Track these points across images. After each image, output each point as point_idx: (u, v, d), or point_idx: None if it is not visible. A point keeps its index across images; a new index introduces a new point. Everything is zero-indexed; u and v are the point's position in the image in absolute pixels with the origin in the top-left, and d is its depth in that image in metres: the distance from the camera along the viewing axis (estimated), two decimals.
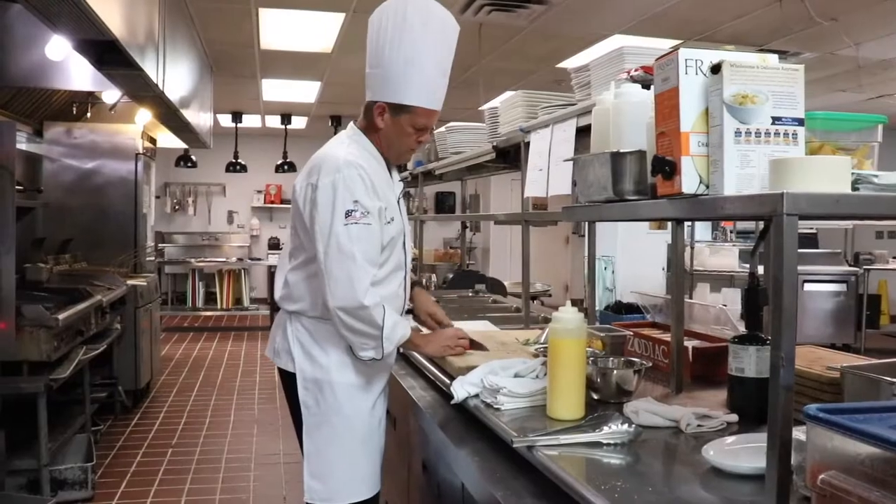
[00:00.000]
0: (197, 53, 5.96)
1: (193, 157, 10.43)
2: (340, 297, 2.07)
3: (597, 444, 1.60)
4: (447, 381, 2.25)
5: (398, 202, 2.30)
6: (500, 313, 3.92)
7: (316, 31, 5.95)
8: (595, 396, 1.98)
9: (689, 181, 1.37)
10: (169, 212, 12.11)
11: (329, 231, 2.07)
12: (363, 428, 2.24)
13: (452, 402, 2.06)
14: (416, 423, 2.44)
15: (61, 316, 3.74)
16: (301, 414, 2.23)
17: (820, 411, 1.02)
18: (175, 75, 4.71)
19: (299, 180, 2.20)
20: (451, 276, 5.52)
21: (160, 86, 4.13)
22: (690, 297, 6.42)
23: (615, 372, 1.98)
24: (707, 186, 1.37)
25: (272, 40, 6.22)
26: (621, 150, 1.64)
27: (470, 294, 4.84)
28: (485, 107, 4.15)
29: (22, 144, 6.18)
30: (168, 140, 7.40)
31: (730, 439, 1.57)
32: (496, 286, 5.37)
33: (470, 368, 2.17)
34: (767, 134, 1.32)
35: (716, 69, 1.34)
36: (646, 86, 1.83)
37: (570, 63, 6.74)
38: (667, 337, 2.49)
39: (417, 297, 2.50)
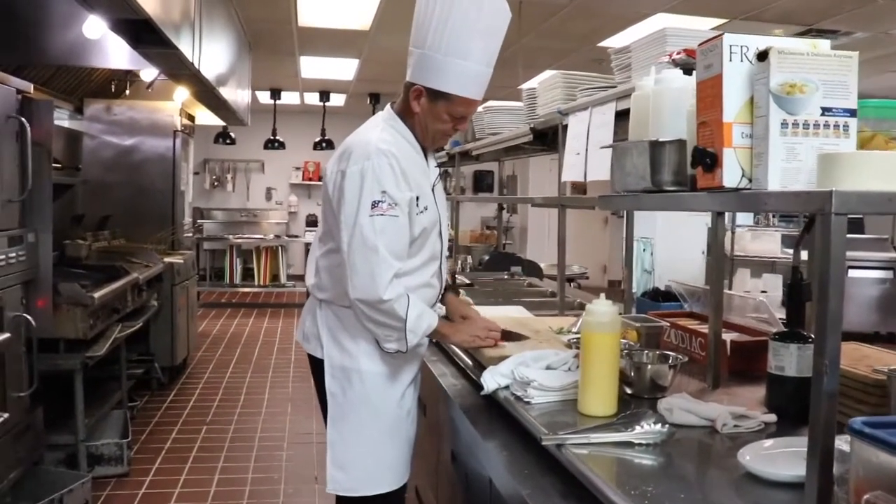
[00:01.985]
0: (235, 31, 5.96)
1: (232, 134, 10.48)
2: (361, 290, 2.03)
3: (628, 445, 1.55)
4: (478, 370, 2.22)
5: (433, 189, 2.24)
6: (534, 297, 3.87)
7: (353, 9, 5.91)
8: (628, 391, 1.93)
9: (730, 174, 1.31)
10: (208, 188, 12.21)
11: (354, 222, 2.02)
12: (390, 418, 2.20)
13: (482, 393, 2.03)
14: (445, 412, 2.41)
15: (97, 294, 3.78)
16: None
17: (865, 426, 0.97)
18: (211, 53, 4.70)
19: (331, 164, 2.16)
20: (486, 258, 5.47)
21: (196, 64, 4.13)
22: (730, 283, 6.29)
23: (649, 367, 1.93)
24: (750, 180, 1.31)
25: (310, 17, 6.19)
26: (660, 139, 1.58)
27: (505, 277, 4.80)
28: (523, 87, 4.08)
29: (63, 121, 6.26)
30: (206, 117, 7.43)
31: (767, 443, 1.51)
32: (532, 269, 5.31)
33: (502, 358, 2.13)
34: (816, 126, 1.25)
35: (762, 56, 1.27)
36: (688, 71, 1.76)
37: (610, 42, 6.61)
38: (704, 328, 2.42)
39: (451, 302, 2.43)
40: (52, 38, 4.06)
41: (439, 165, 2.38)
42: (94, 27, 3.75)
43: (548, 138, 3.58)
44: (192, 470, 4.22)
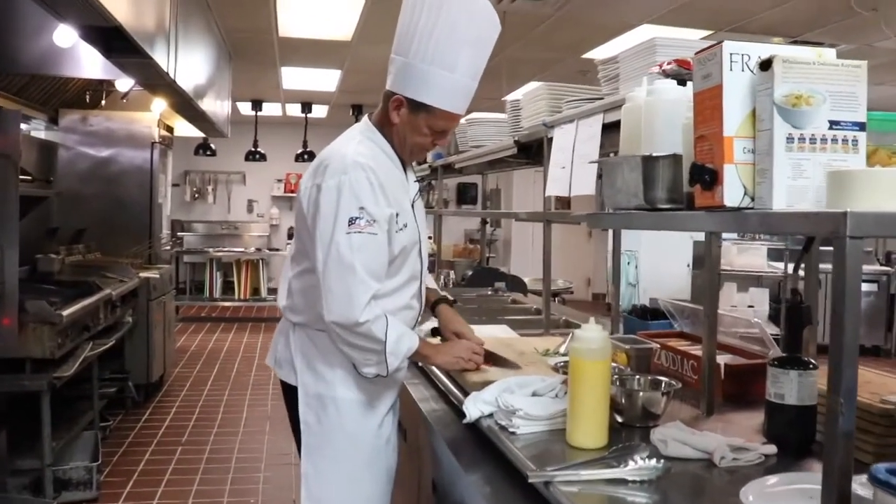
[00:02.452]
0: (214, 41, 5.84)
1: (213, 146, 10.33)
2: (337, 312, 1.91)
3: (621, 482, 1.44)
4: (460, 396, 2.11)
5: (412, 205, 2.13)
6: (519, 315, 3.77)
7: (335, 18, 5.81)
8: (619, 419, 1.82)
9: (731, 192, 1.21)
10: (188, 200, 12.04)
11: (330, 239, 1.91)
12: (368, 449, 2.09)
13: (465, 421, 1.92)
14: (426, 439, 2.30)
15: (66, 312, 3.63)
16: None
17: (891, 475, 0.86)
18: (189, 63, 4.58)
19: (305, 179, 2.05)
20: (470, 273, 5.36)
21: (172, 74, 4.00)
22: (717, 298, 6.23)
23: (641, 394, 1.83)
24: (752, 199, 1.21)
25: (291, 27, 6.08)
26: (654, 154, 1.48)
27: (489, 292, 4.69)
28: (507, 98, 3.99)
29: (40, 132, 6.12)
30: (186, 128, 7.29)
31: (771, 479, 1.40)
32: (516, 284, 5.21)
33: (485, 383, 2.02)
34: (824, 140, 1.16)
35: (765, 65, 1.17)
36: (681, 81, 1.67)
37: (596, 53, 6.55)
38: (696, 350, 2.33)
39: (443, 314, 2.32)
40: (22, 47, 3.93)
41: (419, 179, 2.27)
42: (65, 36, 3.62)
43: (532, 151, 3.49)
44: (165, 494, 4.07)
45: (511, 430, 1.76)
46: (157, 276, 5.82)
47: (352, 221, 1.89)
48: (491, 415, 1.88)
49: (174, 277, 7.25)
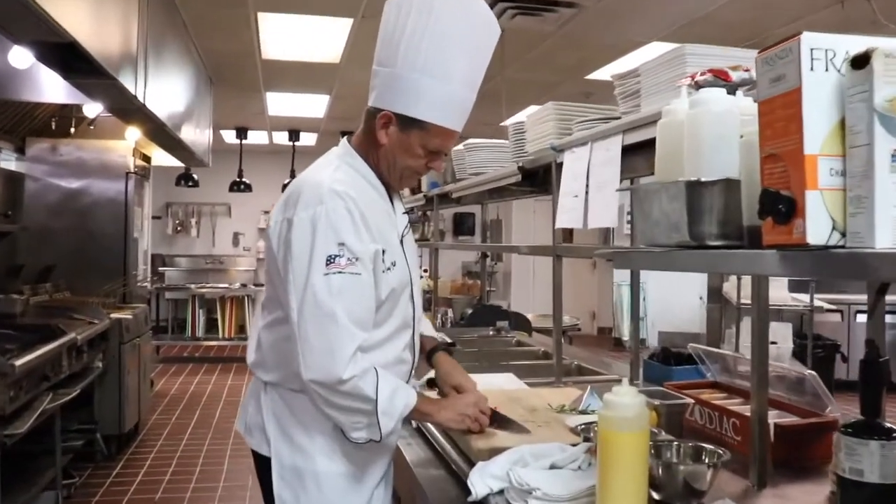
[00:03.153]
0: (192, 64, 5.64)
1: (195, 176, 10.10)
2: (316, 369, 1.66)
3: None
4: (464, 467, 1.85)
5: (401, 241, 1.90)
6: (525, 360, 3.51)
7: (322, 40, 5.61)
8: (655, 496, 1.56)
9: (816, 227, 0.97)
10: (170, 233, 11.78)
11: (305, 282, 1.66)
12: None
13: (470, 499, 1.66)
14: None
15: (19, 362, 3.36)
16: None
17: None
18: (162, 87, 4.37)
19: (275, 213, 1.79)
20: (469, 311, 5.11)
21: (141, 98, 3.78)
22: (737, 333, 5.97)
23: (682, 467, 1.57)
24: (843, 234, 0.96)
25: (275, 50, 5.89)
26: (702, 179, 1.24)
27: (491, 333, 4.43)
28: (509, 122, 3.77)
29: (10, 163, 5.88)
30: (166, 157, 7.07)
31: None
32: (520, 322, 4.96)
33: (493, 452, 1.77)
34: None
35: (860, 62, 0.93)
36: (730, 91, 1.43)
37: (600, 74, 6.37)
38: (736, 405, 2.08)
39: (442, 365, 2.04)
40: None
41: (408, 211, 2.02)
42: (21, 56, 3.39)
43: (538, 178, 3.25)
44: None
45: None
46: (131, 316, 5.55)
47: (330, 260, 1.66)
48: (501, 491, 1.63)
49: (150, 317, 6.96)
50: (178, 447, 5.77)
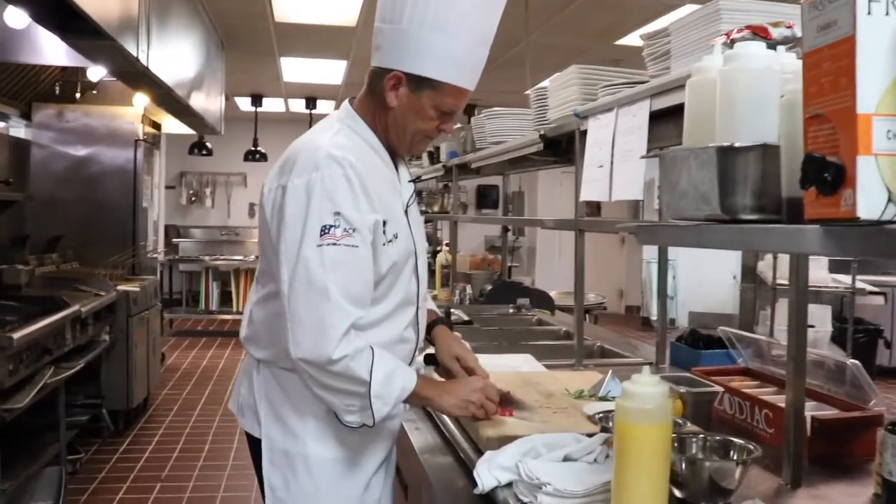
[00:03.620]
0: (201, 26, 5.55)
1: (209, 145, 10.04)
2: (305, 347, 1.58)
3: None
4: (473, 456, 1.76)
5: (406, 212, 1.81)
6: (545, 340, 3.42)
7: (336, 1, 5.49)
8: (678, 494, 1.47)
9: (869, 198, 0.85)
10: (184, 204, 11.78)
11: (296, 254, 1.59)
12: None
13: (476, 491, 1.57)
14: (433, 500, 1.95)
15: (17, 335, 3.32)
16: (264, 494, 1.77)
17: None
18: (167, 50, 4.28)
19: (269, 180, 1.72)
20: (489, 287, 5.01)
21: (144, 61, 3.70)
22: (772, 315, 5.83)
23: (708, 464, 1.47)
24: None
25: (288, 11, 5.78)
26: (735, 144, 1.13)
27: (511, 311, 4.34)
28: (532, 89, 3.65)
29: (19, 130, 5.85)
30: (177, 125, 7.00)
31: None
32: (542, 300, 4.85)
33: (503, 440, 1.68)
34: None
35: None
36: (770, 46, 1.31)
37: (630, 40, 6.20)
38: (772, 397, 1.97)
39: (440, 338, 1.98)
40: None
41: (415, 180, 1.94)
42: (16, 16, 3.31)
43: (561, 147, 3.13)
44: None
45: None
46: (139, 288, 5.52)
47: (324, 231, 1.58)
48: (510, 484, 1.54)
49: (160, 290, 6.94)
50: (187, 423, 5.76)
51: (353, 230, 1.60)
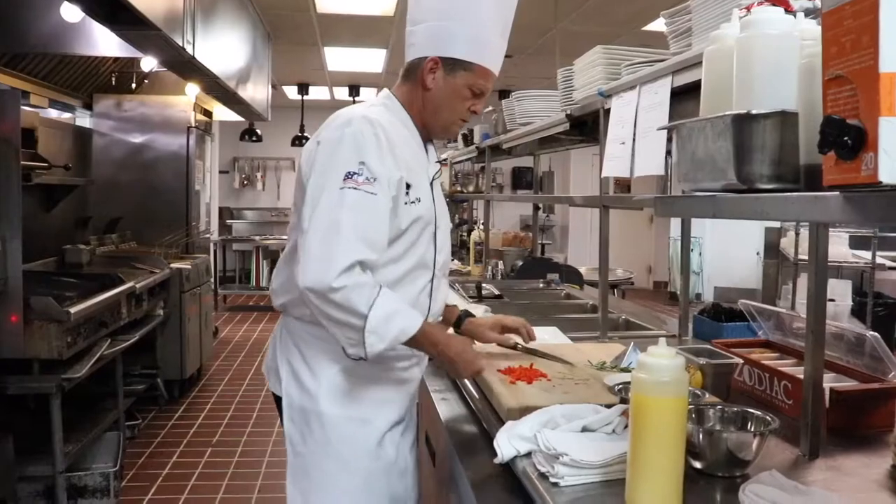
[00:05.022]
0: (248, 19, 5.50)
1: (258, 131, 10.05)
2: (310, 275, 1.57)
3: None
4: (495, 425, 1.69)
5: (431, 185, 1.83)
6: (572, 314, 3.33)
7: None
8: (695, 464, 1.39)
9: (891, 162, 0.77)
10: (237, 187, 11.83)
11: (319, 194, 1.60)
12: (363, 473, 1.76)
13: (496, 461, 1.51)
14: (452, 469, 1.89)
15: (75, 309, 3.32)
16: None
17: None
18: (214, 41, 4.24)
19: (308, 143, 1.77)
20: (520, 263, 4.93)
21: (190, 51, 3.66)
22: (794, 290, 5.66)
23: (726, 435, 1.39)
24: None
25: (329, 3, 5.71)
26: (752, 112, 1.04)
27: (540, 285, 4.26)
28: (559, 70, 3.54)
29: (84, 120, 5.89)
30: (228, 112, 7.00)
31: None
32: (571, 275, 4.75)
33: (523, 411, 1.62)
34: None
35: None
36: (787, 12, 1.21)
37: (657, 26, 6.02)
38: (788, 367, 1.87)
39: (474, 324, 2.09)
40: (30, 25, 3.63)
41: (441, 161, 1.95)
42: (73, 10, 3.29)
43: (587, 127, 3.04)
44: (188, 501, 3.76)
45: (553, 479, 1.35)
46: (191, 266, 5.53)
47: (348, 176, 1.60)
48: (529, 454, 1.47)
49: (214, 268, 6.97)
50: (237, 392, 5.79)
51: (374, 179, 1.61)
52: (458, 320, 2.08)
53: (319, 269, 1.56)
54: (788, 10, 1.44)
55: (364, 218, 1.60)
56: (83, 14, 3.26)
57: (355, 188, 1.59)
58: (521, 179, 12.22)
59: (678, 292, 9.82)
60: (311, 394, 1.76)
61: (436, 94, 1.77)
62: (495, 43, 1.79)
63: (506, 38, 1.83)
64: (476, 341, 2.05)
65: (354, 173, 1.59)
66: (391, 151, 1.66)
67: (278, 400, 1.86)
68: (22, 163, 3.21)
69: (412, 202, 1.70)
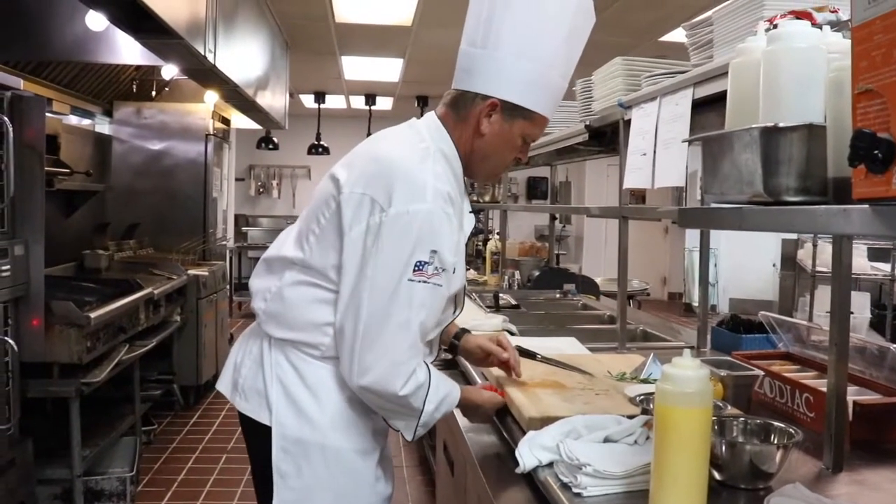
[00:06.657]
0: (267, 28, 5.55)
1: (275, 139, 10.12)
2: (373, 377, 1.50)
3: None
4: (516, 434, 1.70)
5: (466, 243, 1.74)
6: (590, 324, 3.34)
7: (392, 2, 5.44)
8: (717, 476, 1.39)
9: None
10: (253, 195, 11.90)
11: (387, 283, 1.48)
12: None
13: (518, 470, 1.51)
14: (472, 479, 1.90)
15: (94, 314, 3.35)
16: (272, 479, 1.62)
17: None
18: (234, 49, 4.29)
19: (350, 181, 1.55)
20: (536, 273, 4.93)
21: (212, 59, 3.70)
22: (811, 303, 5.63)
23: (749, 447, 1.39)
24: None
25: (346, 12, 5.75)
26: (780, 125, 1.05)
27: (557, 296, 4.26)
28: (578, 81, 3.56)
29: (104, 127, 5.95)
30: (245, 120, 7.06)
31: None
32: (588, 285, 4.75)
33: (545, 421, 1.62)
34: None
35: None
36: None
37: (674, 36, 6.03)
38: (813, 381, 1.87)
39: (473, 341, 2.00)
40: (54, 33, 3.69)
41: (474, 211, 1.83)
42: (97, 19, 3.34)
43: (606, 137, 3.05)
44: None
45: (576, 490, 1.35)
46: (208, 273, 5.57)
47: (419, 267, 1.49)
48: (551, 464, 1.48)
49: (230, 274, 7.01)
50: None
51: (443, 270, 1.52)
52: (456, 336, 2.00)
53: (386, 373, 1.50)
54: (814, 24, 1.45)
55: (429, 314, 1.54)
56: (108, 23, 3.30)
57: (425, 281, 1.50)
58: (536, 189, 12.24)
59: (693, 303, 9.79)
60: (315, 425, 1.60)
61: (489, 141, 1.62)
62: (559, 89, 1.65)
63: (567, 81, 1.67)
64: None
65: (426, 263, 1.49)
66: (460, 230, 1.59)
67: (252, 427, 1.65)
68: (45, 168, 3.25)
69: (453, 272, 1.59)
